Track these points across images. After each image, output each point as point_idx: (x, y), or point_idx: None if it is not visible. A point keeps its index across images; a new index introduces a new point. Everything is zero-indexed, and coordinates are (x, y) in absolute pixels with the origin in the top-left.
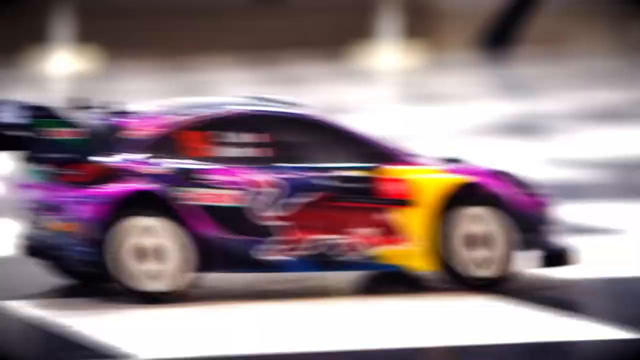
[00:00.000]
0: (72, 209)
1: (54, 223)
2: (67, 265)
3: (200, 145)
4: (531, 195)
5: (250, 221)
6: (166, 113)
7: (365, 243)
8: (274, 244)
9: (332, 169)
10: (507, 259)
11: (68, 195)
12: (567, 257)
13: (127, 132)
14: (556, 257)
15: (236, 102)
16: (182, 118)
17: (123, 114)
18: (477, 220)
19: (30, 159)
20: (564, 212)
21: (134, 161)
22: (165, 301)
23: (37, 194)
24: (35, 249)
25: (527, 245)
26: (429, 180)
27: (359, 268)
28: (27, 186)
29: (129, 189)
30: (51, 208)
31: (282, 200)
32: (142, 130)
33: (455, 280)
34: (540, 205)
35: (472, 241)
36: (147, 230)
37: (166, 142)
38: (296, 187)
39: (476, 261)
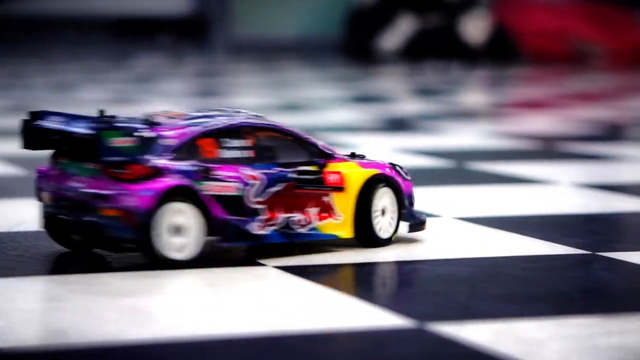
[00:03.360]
0: (123, 199)
1: (106, 210)
2: (109, 241)
3: (211, 149)
4: (408, 180)
5: (245, 205)
6: (185, 124)
7: (314, 219)
8: (259, 222)
9: (294, 165)
10: (397, 226)
11: (121, 188)
12: (424, 225)
13: (161, 139)
14: (419, 225)
15: (224, 114)
16: (197, 129)
17: (156, 124)
18: (382, 197)
19: (86, 159)
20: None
21: (167, 162)
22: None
23: (85, 186)
24: (58, 225)
25: (407, 216)
26: (354, 172)
27: (308, 238)
28: (70, 178)
29: (168, 184)
30: (103, 198)
31: (263, 189)
32: (172, 138)
33: (368, 243)
34: (411, 187)
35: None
36: (178, 212)
37: (189, 147)
38: (272, 180)
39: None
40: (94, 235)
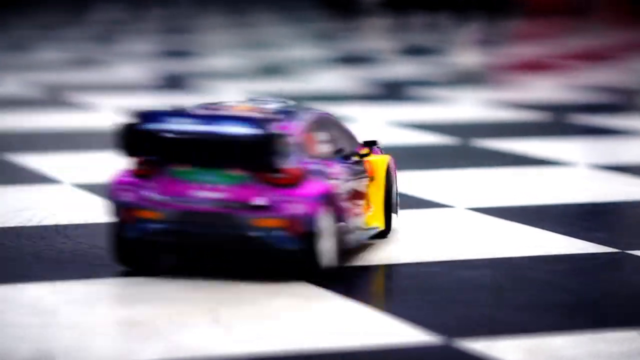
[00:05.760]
0: (285, 207)
1: (263, 220)
2: (271, 255)
3: (313, 145)
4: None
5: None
6: (290, 117)
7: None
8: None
9: (352, 156)
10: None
11: (280, 195)
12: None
13: (290, 137)
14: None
15: (287, 105)
16: (300, 123)
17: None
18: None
19: (234, 165)
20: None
21: (310, 163)
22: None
23: (229, 195)
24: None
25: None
26: (378, 160)
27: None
28: (196, 187)
29: (326, 188)
30: (258, 208)
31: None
32: (296, 136)
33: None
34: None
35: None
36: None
37: (301, 144)
38: (350, 174)
39: None
40: (249, 249)
